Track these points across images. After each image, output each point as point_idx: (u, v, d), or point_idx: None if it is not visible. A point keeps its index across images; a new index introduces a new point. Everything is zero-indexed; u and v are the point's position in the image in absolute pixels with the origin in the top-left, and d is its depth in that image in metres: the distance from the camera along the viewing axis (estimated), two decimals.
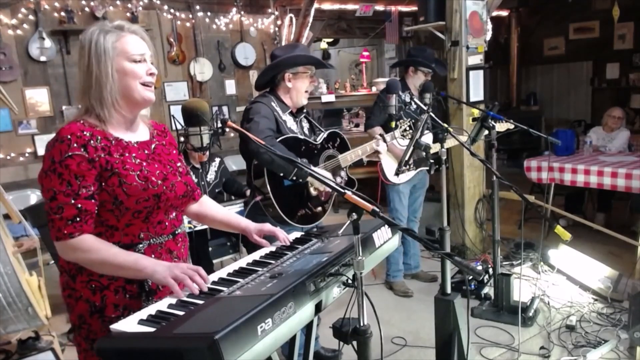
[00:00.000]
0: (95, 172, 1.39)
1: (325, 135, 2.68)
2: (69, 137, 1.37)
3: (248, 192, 3.66)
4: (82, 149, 1.37)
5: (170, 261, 1.53)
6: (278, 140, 2.42)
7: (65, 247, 1.39)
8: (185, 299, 1.32)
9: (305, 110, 2.73)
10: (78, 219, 1.37)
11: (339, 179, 2.69)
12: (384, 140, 2.81)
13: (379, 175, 3.59)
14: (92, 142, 1.39)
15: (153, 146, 1.57)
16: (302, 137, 2.58)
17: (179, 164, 1.62)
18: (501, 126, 3.48)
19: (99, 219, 1.43)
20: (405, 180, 3.62)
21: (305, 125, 2.74)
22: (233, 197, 3.79)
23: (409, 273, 4.00)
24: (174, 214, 1.59)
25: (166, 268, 1.38)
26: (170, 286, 1.35)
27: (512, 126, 3.47)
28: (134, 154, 1.48)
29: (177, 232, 1.61)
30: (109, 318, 1.44)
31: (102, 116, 1.43)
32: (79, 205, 1.37)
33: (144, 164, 1.49)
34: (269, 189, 2.39)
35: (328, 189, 2.60)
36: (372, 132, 3.49)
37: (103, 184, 1.41)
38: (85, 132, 1.39)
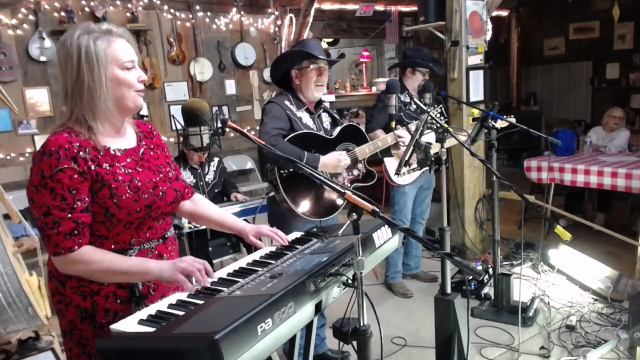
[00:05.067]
0: (87, 184, 1.36)
1: (340, 129, 2.68)
2: (56, 150, 1.32)
3: (232, 196, 3.70)
4: (72, 162, 1.33)
5: None
6: (287, 138, 2.45)
7: (65, 262, 1.36)
8: (185, 298, 1.32)
9: (324, 105, 2.73)
10: (76, 232, 1.34)
11: (356, 172, 2.69)
12: (409, 131, 2.80)
13: (383, 176, 3.58)
14: (81, 153, 1.35)
15: (141, 152, 1.53)
16: (314, 132, 2.58)
17: (168, 169, 1.58)
18: (501, 122, 3.48)
19: (90, 229, 1.41)
20: (411, 182, 3.60)
21: (327, 119, 2.74)
22: (225, 198, 3.80)
23: (408, 273, 4.00)
24: (163, 219, 1.57)
25: (172, 265, 1.38)
26: (181, 282, 1.36)
27: (513, 120, 3.47)
28: (123, 164, 1.44)
29: (167, 236, 1.59)
30: (99, 323, 1.43)
31: (93, 127, 1.39)
32: (76, 219, 1.34)
33: (134, 173, 1.45)
34: (279, 183, 2.43)
35: (344, 177, 2.62)
36: (374, 135, 3.41)
37: (94, 196, 1.38)
38: (73, 144, 1.34)
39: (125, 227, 1.44)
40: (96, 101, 1.37)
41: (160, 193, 1.49)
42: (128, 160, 1.46)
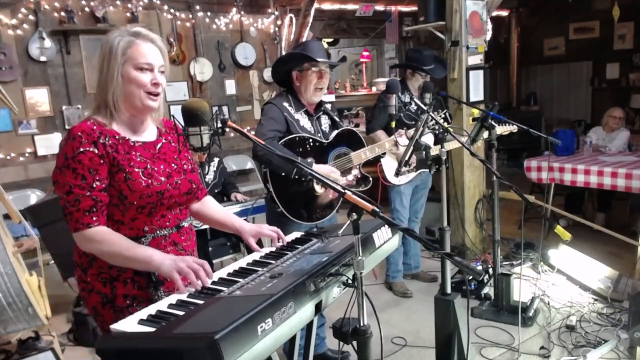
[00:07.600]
0: (106, 167, 1.46)
1: (336, 134, 2.66)
2: (79, 134, 1.44)
3: (232, 196, 3.70)
4: (93, 146, 1.44)
5: (175, 253, 1.57)
6: (282, 141, 2.44)
7: (83, 238, 1.45)
8: (185, 298, 1.32)
9: (323, 107, 2.71)
10: (94, 209, 1.44)
11: (350, 177, 2.68)
12: (408, 139, 2.80)
13: (378, 176, 3.58)
14: (101, 139, 1.46)
15: (159, 146, 1.62)
16: (308, 135, 2.57)
17: (184, 162, 1.67)
18: (504, 129, 3.50)
19: (107, 213, 1.49)
20: (406, 182, 3.61)
21: (326, 122, 2.73)
22: (225, 198, 3.81)
23: (409, 273, 4.00)
24: (178, 210, 1.63)
25: (172, 261, 1.41)
26: (174, 280, 1.39)
27: (515, 129, 3.49)
28: (139, 153, 1.54)
29: (181, 225, 1.65)
30: (119, 308, 1.51)
31: (113, 113, 1.51)
32: (94, 197, 1.44)
33: (149, 162, 1.54)
34: (271, 186, 2.43)
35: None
36: (375, 136, 3.44)
37: (111, 180, 1.47)
38: (95, 130, 1.46)
39: (137, 212, 1.51)
40: (107, 93, 1.50)
41: (174, 182, 1.58)
42: (145, 151, 1.57)
